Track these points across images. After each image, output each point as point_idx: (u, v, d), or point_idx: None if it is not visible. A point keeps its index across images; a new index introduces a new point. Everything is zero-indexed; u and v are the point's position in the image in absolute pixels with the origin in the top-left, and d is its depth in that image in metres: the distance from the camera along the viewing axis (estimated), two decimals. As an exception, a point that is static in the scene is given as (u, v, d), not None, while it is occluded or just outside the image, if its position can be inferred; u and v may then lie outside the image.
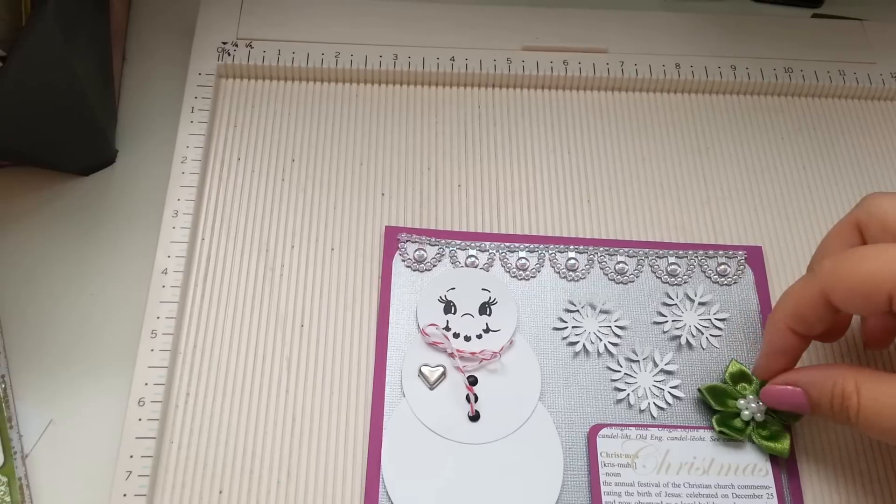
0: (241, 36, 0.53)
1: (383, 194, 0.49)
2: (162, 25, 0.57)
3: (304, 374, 0.44)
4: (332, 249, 0.47)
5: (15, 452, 0.41)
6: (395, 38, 0.54)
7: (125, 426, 0.41)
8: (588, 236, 0.48)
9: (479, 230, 0.48)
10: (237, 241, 0.47)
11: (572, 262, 0.47)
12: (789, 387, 0.40)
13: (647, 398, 0.44)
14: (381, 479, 0.41)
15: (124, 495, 0.39)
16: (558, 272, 0.47)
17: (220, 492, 0.41)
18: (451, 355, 0.44)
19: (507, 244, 0.47)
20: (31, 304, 0.46)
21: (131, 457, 0.40)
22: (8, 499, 0.40)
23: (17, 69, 0.41)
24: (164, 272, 0.45)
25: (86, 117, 0.48)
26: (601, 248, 0.47)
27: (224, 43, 0.53)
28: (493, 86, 0.54)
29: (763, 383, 0.42)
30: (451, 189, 0.50)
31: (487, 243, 0.47)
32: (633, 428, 0.43)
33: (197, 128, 0.49)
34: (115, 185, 0.51)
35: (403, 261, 0.46)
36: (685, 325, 0.46)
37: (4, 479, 0.41)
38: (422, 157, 0.51)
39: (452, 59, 0.53)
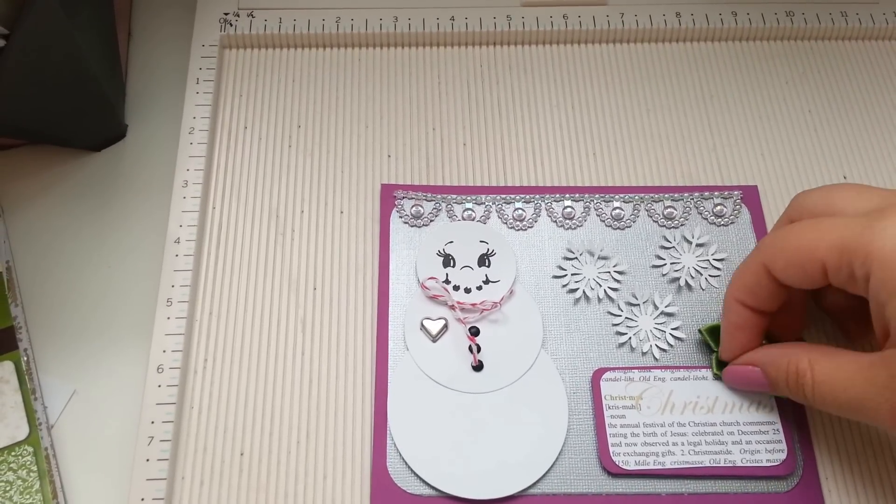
0: (242, 6, 0.53)
1: (389, 156, 0.49)
2: (165, 1, 0.57)
3: (319, 335, 0.44)
4: (342, 212, 0.48)
5: (40, 423, 0.42)
6: (393, 0, 0.54)
7: (145, 393, 0.42)
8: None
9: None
10: (247, 208, 0.48)
11: (569, 210, 0.47)
12: (748, 367, 0.41)
13: (649, 341, 0.44)
14: (388, 433, 0.41)
15: (147, 460, 0.40)
16: (555, 221, 0.47)
17: (242, 454, 0.42)
18: (452, 307, 0.44)
19: (504, 196, 0.48)
20: (50, 279, 0.47)
21: (153, 423, 0.41)
22: (35, 468, 0.41)
23: (20, 46, 0.42)
24: (177, 241, 0.46)
25: (93, 93, 0.48)
26: (597, 196, 0.48)
27: (226, 14, 0.53)
28: (494, 44, 0.54)
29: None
30: (456, 148, 0.50)
31: (484, 196, 0.48)
32: (635, 370, 0.43)
33: (203, 98, 0.50)
34: (126, 160, 0.51)
35: (401, 217, 0.47)
36: (684, 266, 0.46)
37: (31, 450, 0.42)
38: (426, 118, 0.51)
39: (452, 18, 0.53)
